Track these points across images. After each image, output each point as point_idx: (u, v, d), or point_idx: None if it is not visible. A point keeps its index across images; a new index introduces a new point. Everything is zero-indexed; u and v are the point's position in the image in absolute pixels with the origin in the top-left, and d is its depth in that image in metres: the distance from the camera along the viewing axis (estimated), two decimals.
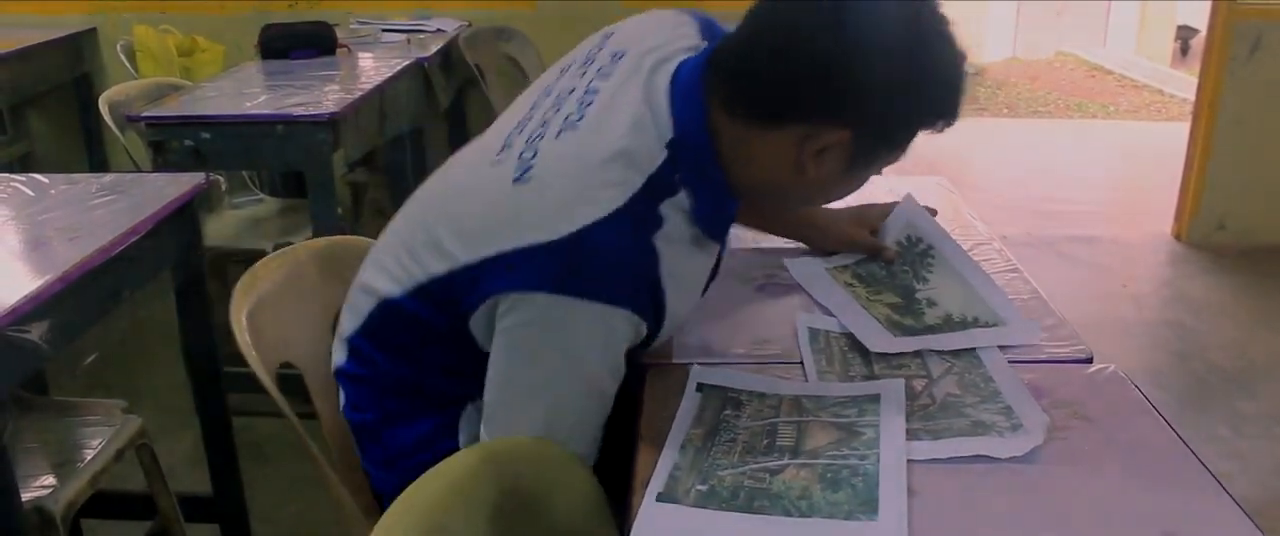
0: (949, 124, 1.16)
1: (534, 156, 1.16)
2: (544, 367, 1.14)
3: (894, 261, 1.53)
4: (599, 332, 1.12)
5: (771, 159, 1.14)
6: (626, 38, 1.28)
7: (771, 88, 1.11)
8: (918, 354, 1.30)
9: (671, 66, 1.18)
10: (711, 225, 1.20)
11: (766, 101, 1.12)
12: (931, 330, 1.37)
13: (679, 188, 1.14)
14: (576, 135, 1.16)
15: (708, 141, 1.15)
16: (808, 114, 1.10)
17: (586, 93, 1.21)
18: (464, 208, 1.21)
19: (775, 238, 1.68)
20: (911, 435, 1.11)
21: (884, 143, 1.15)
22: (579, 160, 1.13)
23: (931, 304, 1.44)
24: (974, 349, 1.30)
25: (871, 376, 1.26)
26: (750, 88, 1.13)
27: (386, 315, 1.29)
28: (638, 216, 1.11)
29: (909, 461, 1.06)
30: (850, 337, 1.35)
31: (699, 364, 1.28)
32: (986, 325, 1.37)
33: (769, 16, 1.13)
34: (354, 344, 1.36)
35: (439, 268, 1.20)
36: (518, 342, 1.14)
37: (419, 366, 1.32)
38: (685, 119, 1.14)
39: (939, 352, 1.30)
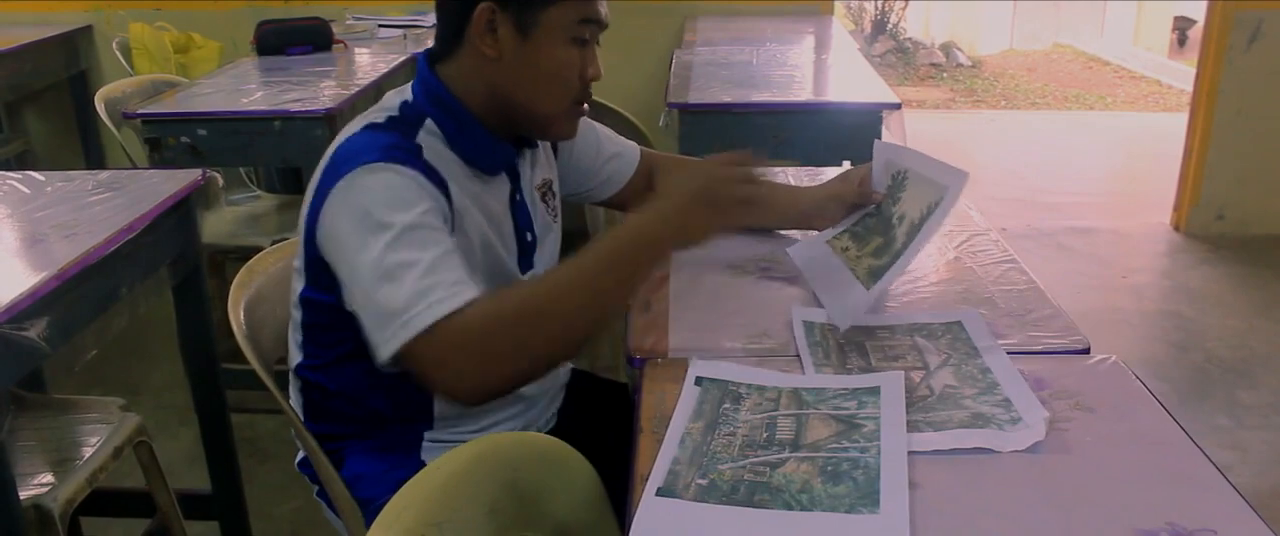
0: None
1: None
2: (361, 237, 1.22)
3: (883, 201, 1.55)
4: (375, 185, 1.24)
5: (477, 66, 1.36)
6: None
7: (441, 21, 1.39)
8: (914, 345, 1.30)
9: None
10: (467, 150, 1.38)
11: (445, 31, 1.39)
12: (898, 255, 1.41)
13: (426, 118, 1.37)
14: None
15: (445, 90, 1.38)
16: (462, 15, 1.34)
17: None
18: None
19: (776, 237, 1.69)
20: (912, 427, 1.10)
21: None
22: (346, 128, 1.38)
23: (901, 220, 1.47)
24: (976, 346, 1.29)
25: (869, 369, 1.25)
26: (438, 35, 1.40)
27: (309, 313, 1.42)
28: (392, 127, 1.35)
29: (910, 453, 1.05)
30: (844, 345, 1.34)
31: (697, 357, 1.27)
32: (936, 204, 1.40)
33: None
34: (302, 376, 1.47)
35: (299, 261, 1.39)
36: (336, 243, 1.26)
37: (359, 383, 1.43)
38: (417, 85, 1.40)
39: (935, 342, 1.30)
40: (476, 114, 1.38)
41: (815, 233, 1.64)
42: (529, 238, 1.49)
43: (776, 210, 1.69)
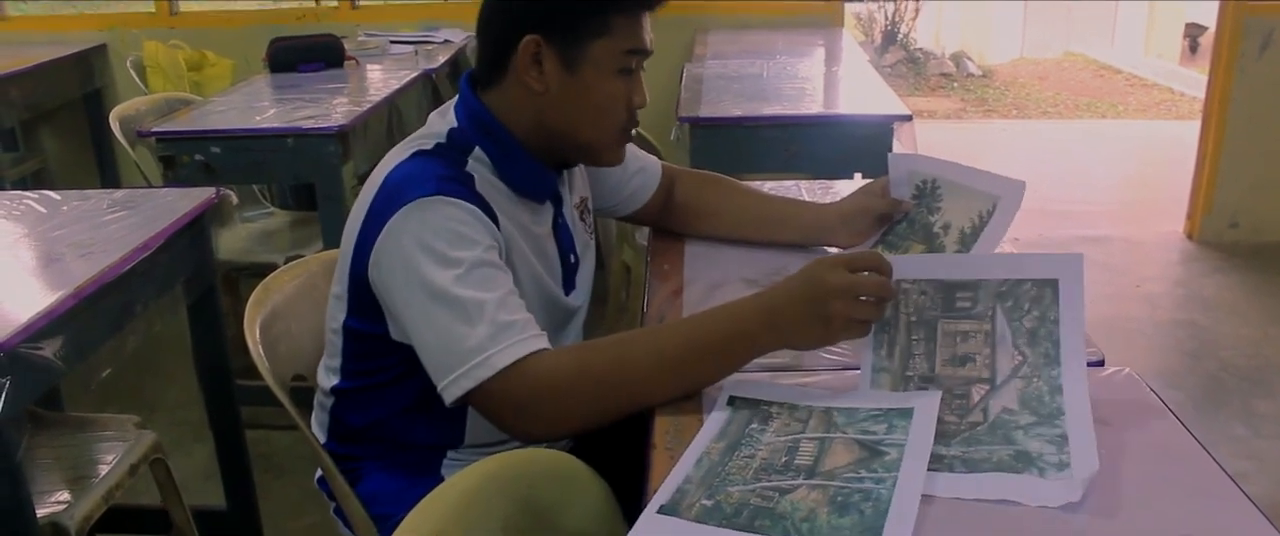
0: None
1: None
2: (425, 273, 1.22)
3: (911, 210, 1.54)
4: (437, 218, 1.24)
5: (523, 97, 1.35)
6: None
7: (485, 50, 1.37)
8: (989, 345, 1.16)
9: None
10: (516, 180, 1.38)
11: (489, 60, 1.37)
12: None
13: (474, 145, 1.36)
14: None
15: (491, 117, 1.37)
16: (506, 47, 1.33)
17: None
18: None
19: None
20: (945, 463, 1.06)
21: (570, 31, 1.31)
22: (393, 152, 1.38)
23: (946, 228, 1.46)
24: (1058, 342, 1.14)
25: (930, 376, 1.16)
26: (481, 62, 1.39)
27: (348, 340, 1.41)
28: (441, 154, 1.34)
29: (930, 495, 1.01)
30: (913, 326, 1.21)
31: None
32: (989, 213, 1.39)
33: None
34: (340, 387, 1.46)
35: (340, 288, 1.38)
36: (394, 277, 1.25)
37: (387, 405, 1.42)
38: (461, 109, 1.39)
39: (1018, 322, 1.15)
40: (522, 141, 1.38)
41: (837, 249, 1.64)
42: (572, 259, 1.49)
43: (801, 227, 1.67)
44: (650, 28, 1.36)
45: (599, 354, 1.22)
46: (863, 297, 1.15)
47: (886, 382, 1.19)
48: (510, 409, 1.20)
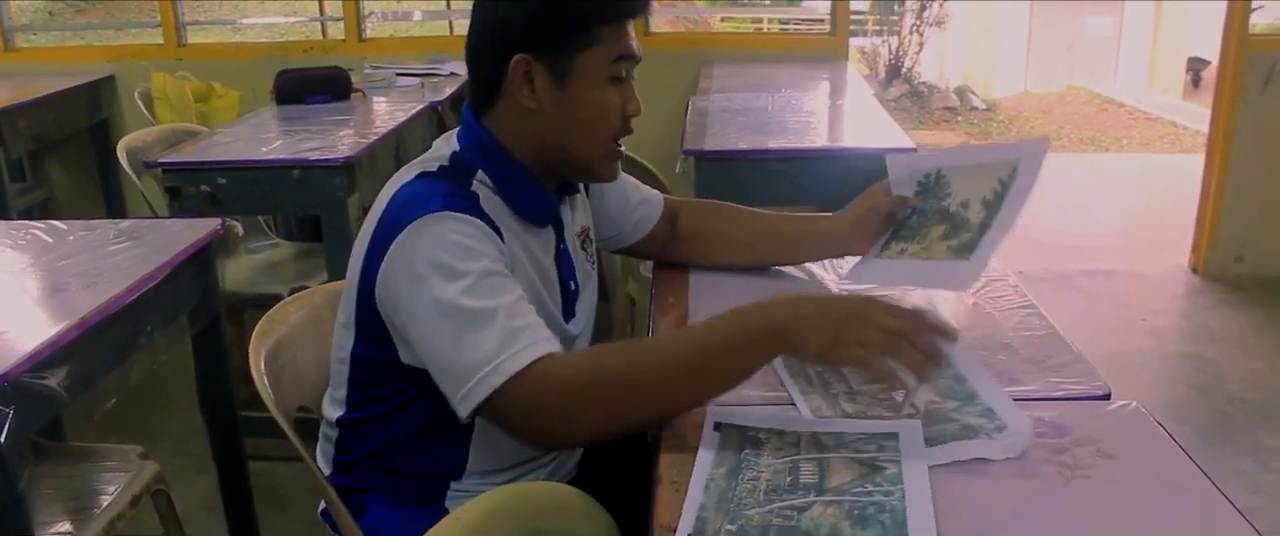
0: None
1: None
2: (434, 288, 1.21)
3: (918, 204, 1.56)
4: (444, 234, 1.24)
5: (519, 117, 1.37)
6: None
7: (476, 76, 1.40)
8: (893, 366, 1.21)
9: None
10: (519, 203, 1.39)
11: (482, 85, 1.39)
12: (984, 227, 1.42)
13: (477, 168, 1.37)
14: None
15: (493, 140, 1.38)
16: (498, 70, 1.34)
17: None
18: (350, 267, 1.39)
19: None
20: None
21: (557, 46, 1.32)
22: (397, 175, 1.39)
23: (966, 205, 1.48)
24: (950, 357, 1.24)
25: (851, 392, 1.27)
26: (474, 88, 1.41)
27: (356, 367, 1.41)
28: (445, 176, 1.35)
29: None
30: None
31: (715, 404, 1.26)
32: (1010, 176, 1.44)
33: None
34: (344, 421, 1.45)
35: (346, 315, 1.38)
36: (402, 294, 1.25)
37: (392, 433, 1.41)
38: (464, 134, 1.41)
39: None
40: (523, 163, 1.39)
41: (856, 258, 1.63)
42: (572, 287, 1.49)
43: (814, 240, 1.68)
44: (634, 34, 1.38)
45: (613, 355, 1.22)
46: (897, 328, 1.14)
47: (820, 400, 1.27)
48: (523, 414, 1.19)
